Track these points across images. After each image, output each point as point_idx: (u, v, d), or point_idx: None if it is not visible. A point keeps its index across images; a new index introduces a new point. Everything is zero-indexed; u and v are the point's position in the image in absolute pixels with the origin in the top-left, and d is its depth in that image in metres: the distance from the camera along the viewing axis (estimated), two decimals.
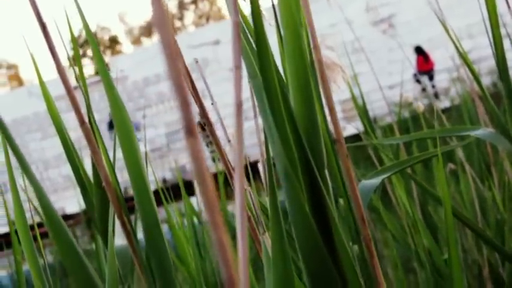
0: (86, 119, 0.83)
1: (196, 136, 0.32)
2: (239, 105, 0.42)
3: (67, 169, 26.05)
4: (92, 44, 0.78)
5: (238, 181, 0.38)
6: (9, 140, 0.68)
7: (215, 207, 0.33)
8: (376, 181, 0.97)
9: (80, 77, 0.85)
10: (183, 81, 0.32)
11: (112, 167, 0.73)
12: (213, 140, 0.65)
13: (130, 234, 0.62)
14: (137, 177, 0.63)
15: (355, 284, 0.67)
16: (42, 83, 1.07)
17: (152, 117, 27.34)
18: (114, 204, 0.62)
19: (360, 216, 0.64)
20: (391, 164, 1.10)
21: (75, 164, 1.03)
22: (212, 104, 0.82)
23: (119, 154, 1.08)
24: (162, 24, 0.31)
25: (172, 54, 0.32)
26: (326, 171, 0.69)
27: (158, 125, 26.45)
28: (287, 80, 0.69)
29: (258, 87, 0.66)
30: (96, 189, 0.98)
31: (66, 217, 13.91)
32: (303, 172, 0.67)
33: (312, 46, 0.64)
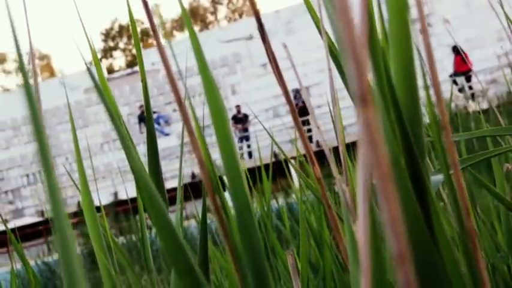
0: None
1: (370, 105, 0.32)
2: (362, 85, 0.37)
3: (96, 161, 26.31)
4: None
5: (363, 168, 0.35)
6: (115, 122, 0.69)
7: (388, 180, 0.33)
8: (441, 177, 0.93)
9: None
10: (360, 49, 0.32)
11: (206, 149, 0.73)
12: (295, 125, 0.63)
13: (222, 218, 0.61)
14: (229, 160, 0.62)
15: (458, 279, 0.65)
16: (98, 65, 1.11)
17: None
18: (207, 186, 0.60)
19: (464, 207, 0.61)
20: (461, 159, 1.04)
21: (130, 153, 1.02)
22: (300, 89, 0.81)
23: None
24: None
25: (348, 20, 0.32)
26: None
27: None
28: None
29: None
30: (152, 178, 1.02)
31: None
32: (406, 160, 0.65)
33: (420, 29, 0.58)
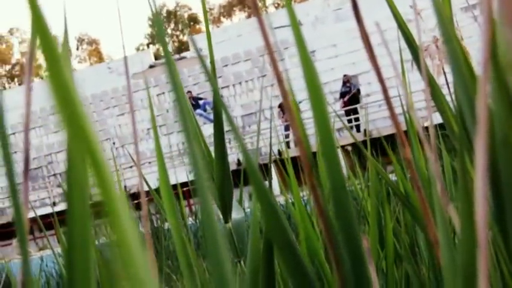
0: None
1: None
2: (486, 59, 0.38)
3: (142, 146, 26.50)
4: None
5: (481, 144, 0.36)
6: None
7: None
8: None
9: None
10: None
11: (302, 126, 0.68)
12: (387, 104, 0.60)
13: (318, 197, 0.59)
14: (325, 138, 0.61)
15: None
16: (165, 44, 1.17)
17: (229, 97, 27.49)
18: (305, 164, 0.59)
19: None
20: None
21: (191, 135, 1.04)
22: None
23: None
24: None
25: None
26: None
27: (234, 107, 26.57)
28: None
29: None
30: (217, 161, 1.09)
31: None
32: None
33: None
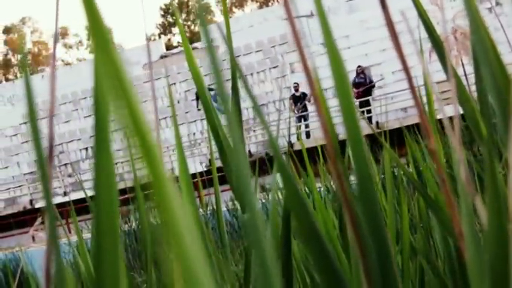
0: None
1: None
2: None
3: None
4: None
5: None
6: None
7: None
8: None
9: None
10: None
11: (329, 114, 0.68)
12: (412, 94, 0.56)
13: (344, 185, 0.58)
14: (351, 127, 0.61)
15: None
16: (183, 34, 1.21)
17: (240, 88, 27.30)
18: (330, 151, 0.59)
19: None
20: None
21: (214, 124, 1.12)
22: None
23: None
24: None
25: None
26: None
27: (245, 98, 26.33)
28: None
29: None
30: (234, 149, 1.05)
31: None
32: None
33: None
